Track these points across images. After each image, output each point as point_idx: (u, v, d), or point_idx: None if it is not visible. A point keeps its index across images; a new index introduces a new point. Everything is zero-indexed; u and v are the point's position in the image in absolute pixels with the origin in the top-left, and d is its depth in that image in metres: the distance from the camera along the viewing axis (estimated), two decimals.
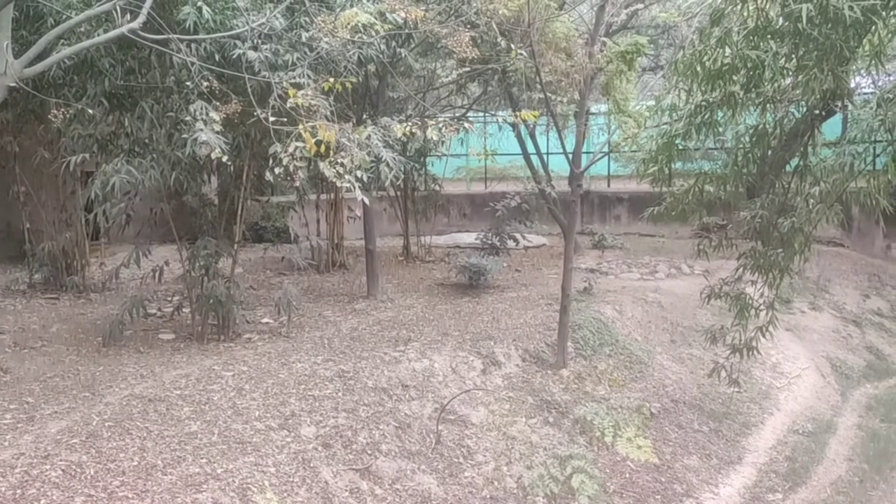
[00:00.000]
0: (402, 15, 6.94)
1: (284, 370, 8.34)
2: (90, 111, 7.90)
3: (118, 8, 5.76)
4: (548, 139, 15.28)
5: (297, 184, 5.84)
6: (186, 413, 7.13)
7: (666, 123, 7.02)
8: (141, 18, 5.26)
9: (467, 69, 9.79)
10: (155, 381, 7.89)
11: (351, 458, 7.07)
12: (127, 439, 6.53)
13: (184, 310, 10.04)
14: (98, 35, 6.86)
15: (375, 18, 6.41)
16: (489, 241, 13.82)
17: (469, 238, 15.94)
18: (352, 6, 6.64)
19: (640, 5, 12.07)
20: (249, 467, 6.34)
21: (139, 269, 9.52)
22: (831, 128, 10.24)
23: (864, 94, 8.77)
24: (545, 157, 12.44)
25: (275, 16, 6.90)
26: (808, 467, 9.02)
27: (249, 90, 6.00)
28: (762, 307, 7.81)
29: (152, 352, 9.03)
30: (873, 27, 5.33)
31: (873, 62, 5.91)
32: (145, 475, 6.00)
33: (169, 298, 11.40)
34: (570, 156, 10.00)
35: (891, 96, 6.80)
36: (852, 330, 13.08)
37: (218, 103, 6.73)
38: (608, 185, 19.32)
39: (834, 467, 9.08)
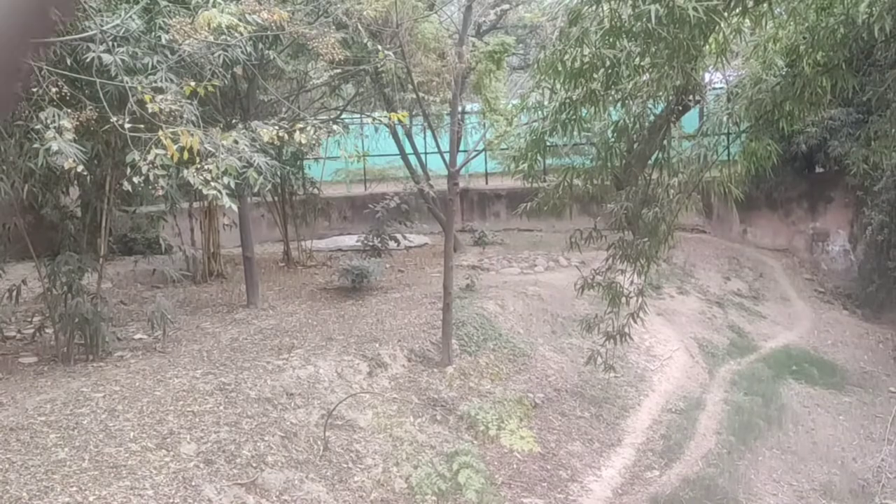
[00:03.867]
0: (265, 16, 6.77)
1: (160, 387, 7.99)
2: None
3: None
4: (425, 139, 15.39)
5: (161, 192, 5.58)
6: (53, 440, 6.70)
7: (534, 121, 7.21)
8: None
9: (339, 70, 9.70)
10: (17, 408, 7.36)
11: (235, 472, 6.85)
12: None
13: (46, 330, 9.43)
14: None
15: (238, 20, 6.22)
16: (371, 243, 13.78)
17: (350, 241, 15.81)
18: (212, 6, 6.41)
19: (507, 6, 12.35)
20: (125, 492, 6.04)
21: None
22: (693, 122, 10.83)
23: (717, 89, 9.35)
24: (423, 156, 12.52)
25: (130, 17, 6.57)
26: (682, 443, 9.53)
27: (104, 96, 5.68)
28: (633, 294, 8.16)
29: (12, 377, 8.42)
30: (717, 26, 5.67)
31: (719, 59, 6.30)
32: None
33: (29, 319, 10.66)
34: (446, 155, 10.11)
35: (738, 91, 7.29)
36: (716, 311, 13.93)
37: (70, 110, 6.33)
38: (486, 183, 19.65)
39: (704, 441, 9.64)
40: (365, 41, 8.51)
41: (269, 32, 7.72)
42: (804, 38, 6.21)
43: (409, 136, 10.68)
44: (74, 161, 5.51)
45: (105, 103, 5.57)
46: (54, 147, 5.54)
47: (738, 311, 14.14)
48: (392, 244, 13.92)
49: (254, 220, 13.03)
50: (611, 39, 5.64)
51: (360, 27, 8.41)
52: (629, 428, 9.84)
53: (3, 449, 6.48)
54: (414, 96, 9.44)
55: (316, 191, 15.69)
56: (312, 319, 10.99)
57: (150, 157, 5.05)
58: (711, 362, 12.03)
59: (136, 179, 5.17)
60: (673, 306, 13.56)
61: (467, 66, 9.47)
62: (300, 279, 14.00)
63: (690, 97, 7.14)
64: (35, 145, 6.31)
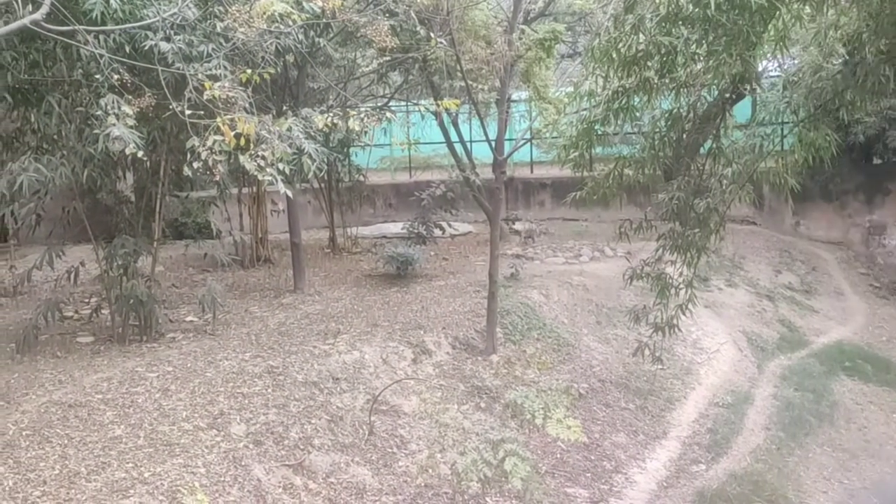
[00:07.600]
0: (320, 4, 6.83)
1: (211, 368, 8.17)
2: None
3: None
4: (471, 127, 15.31)
5: (217, 178, 5.68)
6: (109, 417, 6.91)
7: (585, 109, 7.14)
8: (44, 9, 5.00)
9: (388, 58, 9.73)
10: (74, 385, 7.61)
11: (283, 454, 6.98)
12: (47, 447, 6.30)
13: (103, 311, 9.70)
14: None
15: (292, 7, 6.29)
16: (416, 231, 13.80)
17: (395, 228, 15.89)
18: None
19: None
20: (178, 469, 6.19)
21: (53, 270, 9.14)
22: (742, 111, 10.62)
23: (771, 77, 9.14)
24: (468, 144, 12.49)
25: (187, 5, 6.68)
26: (729, 438, 9.40)
27: (163, 83, 5.80)
28: (681, 286, 8.05)
29: (71, 356, 8.70)
30: (777, 13, 5.55)
31: (778, 46, 6.15)
32: (68, 483, 5.79)
33: (86, 300, 10.98)
34: (493, 143, 10.08)
35: (795, 79, 7.12)
36: (766, 304, 13.67)
37: (130, 97, 6.49)
38: (531, 172, 19.54)
39: (752, 437, 9.50)
40: (416, 28, 8.52)
41: (321, 20, 7.78)
42: (867, 24, 6.03)
43: (455, 123, 10.65)
44: (135, 146, 5.64)
45: (166, 90, 5.69)
46: (115, 132, 5.67)
47: (788, 305, 13.85)
48: (437, 232, 13.93)
49: (300, 207, 13.19)
50: (667, 26, 5.56)
51: (412, 14, 8.42)
52: (675, 421, 9.74)
53: (62, 425, 6.70)
54: (461, 84, 9.41)
55: (362, 178, 15.82)
56: (358, 305, 11.10)
57: (208, 143, 5.16)
58: (760, 356, 11.83)
59: (195, 165, 5.28)
60: (721, 299, 13.34)
61: (516, 54, 9.40)
62: (345, 265, 14.15)
63: (746, 85, 6.99)
64: (95, 131, 6.47)
